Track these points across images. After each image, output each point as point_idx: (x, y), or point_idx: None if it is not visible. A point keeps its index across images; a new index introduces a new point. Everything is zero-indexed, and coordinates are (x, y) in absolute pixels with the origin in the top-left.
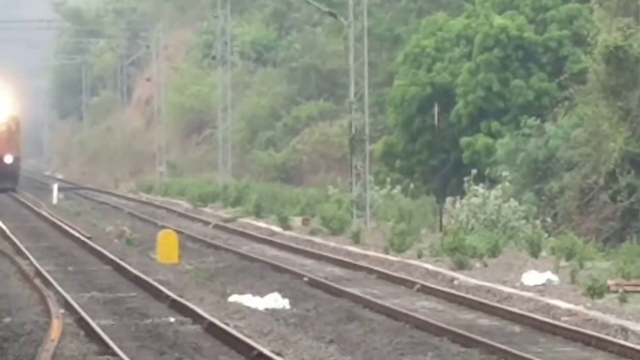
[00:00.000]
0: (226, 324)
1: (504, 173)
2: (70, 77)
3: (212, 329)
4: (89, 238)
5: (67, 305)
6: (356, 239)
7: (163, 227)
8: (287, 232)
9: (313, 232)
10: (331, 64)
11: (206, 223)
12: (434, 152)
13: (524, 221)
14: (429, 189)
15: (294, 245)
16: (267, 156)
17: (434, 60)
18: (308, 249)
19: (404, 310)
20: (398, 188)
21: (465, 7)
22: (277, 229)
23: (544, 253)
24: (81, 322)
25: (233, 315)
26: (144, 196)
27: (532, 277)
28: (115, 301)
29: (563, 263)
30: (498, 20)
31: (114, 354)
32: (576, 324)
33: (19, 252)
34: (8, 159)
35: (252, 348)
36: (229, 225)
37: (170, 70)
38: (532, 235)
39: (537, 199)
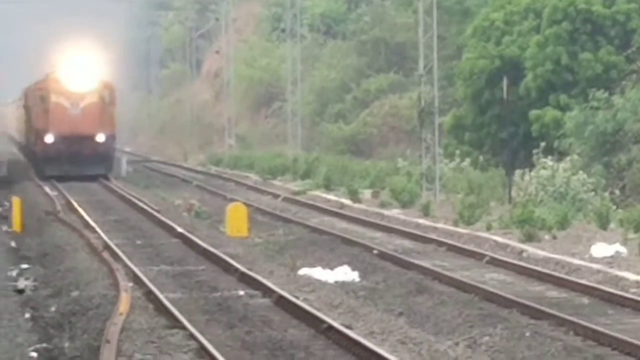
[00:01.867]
0: (296, 297)
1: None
2: (139, 49)
3: (282, 302)
4: (157, 211)
5: (135, 279)
6: (426, 211)
7: (232, 200)
8: (357, 205)
9: (383, 205)
10: (400, 37)
11: (275, 196)
12: (503, 125)
13: (592, 193)
14: (498, 161)
15: (364, 218)
16: (336, 129)
17: (502, 33)
18: (377, 221)
19: (474, 283)
20: (467, 161)
21: None
22: (346, 201)
23: (612, 225)
24: (150, 296)
25: (303, 288)
26: (213, 169)
27: (601, 249)
28: (184, 274)
29: (631, 235)
30: None
31: (183, 327)
32: None
33: (87, 225)
34: (100, 137)
35: (322, 321)
36: (299, 198)
37: (239, 43)
38: (600, 208)
39: (606, 172)
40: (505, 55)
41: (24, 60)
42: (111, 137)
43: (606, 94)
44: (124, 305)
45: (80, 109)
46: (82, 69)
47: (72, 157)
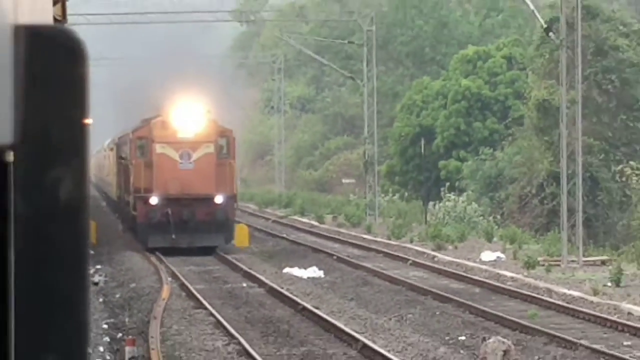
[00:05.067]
0: (281, 287)
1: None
2: None
3: (272, 291)
4: None
5: (173, 275)
6: (369, 230)
7: (239, 222)
8: (322, 225)
9: (339, 225)
10: (352, 111)
11: (267, 219)
12: (421, 171)
13: (481, 218)
14: (417, 196)
15: (327, 234)
16: (308, 174)
17: (421, 109)
18: (336, 236)
19: (401, 278)
20: (397, 195)
21: (442, 73)
22: (315, 223)
23: (495, 239)
24: (183, 287)
25: (286, 282)
26: None
27: (487, 255)
28: (206, 272)
29: (508, 246)
30: (464, 82)
31: (205, 308)
32: (517, 287)
33: None
34: (218, 198)
35: (299, 304)
36: (283, 220)
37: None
38: (487, 227)
39: (491, 203)
40: (422, 124)
41: (115, 98)
42: (231, 199)
43: (491, 150)
44: (165, 293)
45: (192, 163)
46: (194, 112)
47: (182, 225)
